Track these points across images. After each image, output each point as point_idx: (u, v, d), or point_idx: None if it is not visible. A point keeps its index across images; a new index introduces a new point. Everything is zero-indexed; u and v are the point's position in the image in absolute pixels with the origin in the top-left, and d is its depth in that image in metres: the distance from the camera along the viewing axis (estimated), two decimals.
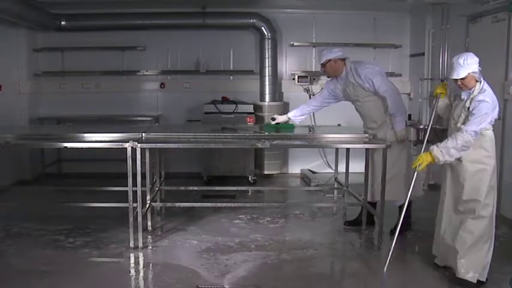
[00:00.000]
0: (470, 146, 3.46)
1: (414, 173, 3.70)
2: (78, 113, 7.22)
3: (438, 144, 3.54)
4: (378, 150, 4.56)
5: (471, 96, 3.51)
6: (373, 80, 4.53)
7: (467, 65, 3.44)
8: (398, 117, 4.56)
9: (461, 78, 3.47)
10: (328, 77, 4.96)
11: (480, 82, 3.51)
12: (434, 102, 3.92)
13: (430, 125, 3.93)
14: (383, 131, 4.64)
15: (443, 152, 3.49)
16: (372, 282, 3.88)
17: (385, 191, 4.44)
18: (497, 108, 3.55)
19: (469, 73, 3.45)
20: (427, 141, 3.85)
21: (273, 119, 5.15)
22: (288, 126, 5.20)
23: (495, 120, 3.59)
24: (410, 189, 3.78)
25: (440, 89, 3.86)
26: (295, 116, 5.14)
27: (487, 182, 3.59)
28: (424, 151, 3.69)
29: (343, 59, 4.71)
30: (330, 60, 4.69)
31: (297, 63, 7.58)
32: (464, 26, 5.85)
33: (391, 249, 3.65)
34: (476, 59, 3.50)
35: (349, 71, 4.68)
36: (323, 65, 4.76)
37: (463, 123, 3.52)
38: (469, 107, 3.50)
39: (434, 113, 3.93)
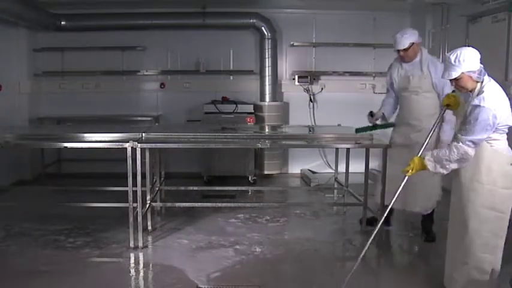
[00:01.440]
0: (469, 159, 2.99)
1: (404, 178, 3.29)
2: (78, 113, 7.22)
3: (434, 151, 3.15)
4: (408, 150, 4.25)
5: (470, 99, 3.07)
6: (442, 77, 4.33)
7: (460, 64, 2.98)
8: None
9: (455, 79, 3.05)
10: (405, 62, 4.47)
11: (481, 82, 3.04)
12: (440, 112, 3.57)
13: (430, 133, 3.47)
14: (423, 136, 3.93)
15: (436, 161, 3.08)
16: (372, 282, 3.89)
17: (420, 200, 4.30)
18: (508, 113, 3.01)
19: (462, 73, 3.00)
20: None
21: (372, 114, 4.67)
22: (388, 124, 4.74)
23: (508, 126, 3.04)
24: (396, 195, 3.34)
25: (448, 100, 3.37)
26: (388, 113, 4.75)
27: (480, 205, 3.07)
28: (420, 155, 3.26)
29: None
30: (413, 43, 4.35)
31: (297, 63, 7.57)
32: (464, 26, 5.85)
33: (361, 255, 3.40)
34: (474, 56, 3.02)
35: (424, 59, 4.39)
36: (406, 49, 4.35)
37: (460, 131, 3.05)
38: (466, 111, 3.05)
39: (437, 123, 3.57)
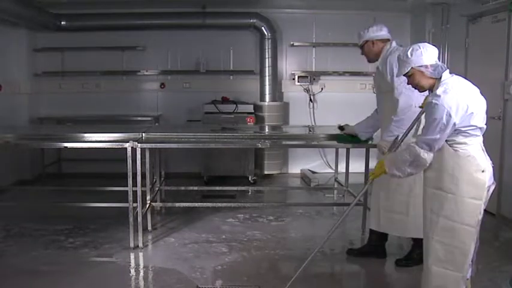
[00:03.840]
0: (422, 163, 2.71)
1: (367, 182, 3.13)
2: (78, 113, 7.22)
3: (395, 151, 2.92)
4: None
5: None
6: (395, 73, 3.60)
7: (408, 58, 2.79)
8: (396, 123, 3.72)
9: (408, 76, 2.85)
10: (369, 62, 4.20)
11: (440, 79, 2.77)
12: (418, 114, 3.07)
13: (403, 135, 3.17)
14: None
15: (392, 162, 2.85)
16: (372, 282, 3.89)
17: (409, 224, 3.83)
18: (473, 113, 2.67)
19: (412, 68, 2.79)
20: None
21: (341, 128, 4.41)
22: (355, 139, 4.42)
23: (474, 128, 2.70)
24: (357, 198, 3.14)
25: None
26: (363, 129, 4.32)
27: (443, 216, 2.76)
28: None
29: (386, 40, 3.98)
30: (367, 41, 3.98)
31: (297, 63, 7.58)
32: (464, 26, 5.85)
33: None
34: (426, 50, 2.79)
35: (384, 55, 3.93)
36: (361, 47, 4.06)
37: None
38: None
39: (414, 124, 3.10)
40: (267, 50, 7.18)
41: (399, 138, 3.13)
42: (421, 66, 2.78)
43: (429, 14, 6.82)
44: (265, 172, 7.32)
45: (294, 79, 7.45)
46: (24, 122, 6.90)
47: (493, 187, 2.80)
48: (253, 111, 6.98)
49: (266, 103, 7.23)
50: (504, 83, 5.05)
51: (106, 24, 7.03)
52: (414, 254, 3.90)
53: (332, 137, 4.71)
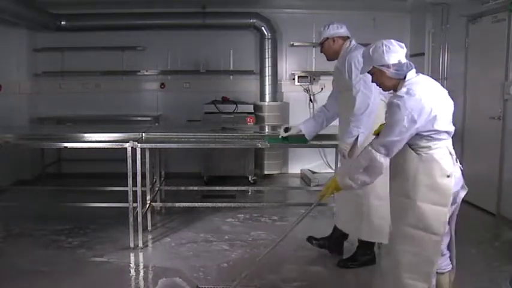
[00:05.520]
0: (378, 168, 2.47)
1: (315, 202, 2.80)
2: (78, 113, 7.22)
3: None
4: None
5: None
6: (353, 71, 3.66)
7: (370, 57, 2.64)
8: (354, 124, 3.61)
9: (372, 75, 2.68)
10: (328, 60, 4.07)
11: (404, 79, 2.56)
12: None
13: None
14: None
15: (345, 171, 2.59)
16: (371, 282, 3.88)
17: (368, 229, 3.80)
18: (436, 116, 2.46)
19: (373, 67, 2.62)
20: None
21: (286, 130, 4.37)
22: (300, 139, 4.38)
23: (436, 132, 2.49)
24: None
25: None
26: (311, 128, 4.22)
27: (408, 225, 2.57)
28: None
29: (345, 38, 3.90)
30: (327, 38, 3.93)
31: (297, 63, 7.58)
32: (464, 26, 5.85)
33: None
34: (389, 48, 2.61)
35: (343, 54, 3.85)
36: (321, 45, 3.99)
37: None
38: None
39: None
40: (267, 50, 7.18)
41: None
42: (383, 65, 2.59)
43: (429, 14, 6.82)
44: (265, 172, 7.32)
45: (294, 79, 7.46)
46: (24, 122, 6.90)
47: (463, 192, 2.64)
48: (253, 111, 6.98)
49: (266, 103, 7.23)
50: (504, 83, 5.05)
51: (106, 24, 7.03)
52: (358, 256, 4.01)
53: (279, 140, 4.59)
